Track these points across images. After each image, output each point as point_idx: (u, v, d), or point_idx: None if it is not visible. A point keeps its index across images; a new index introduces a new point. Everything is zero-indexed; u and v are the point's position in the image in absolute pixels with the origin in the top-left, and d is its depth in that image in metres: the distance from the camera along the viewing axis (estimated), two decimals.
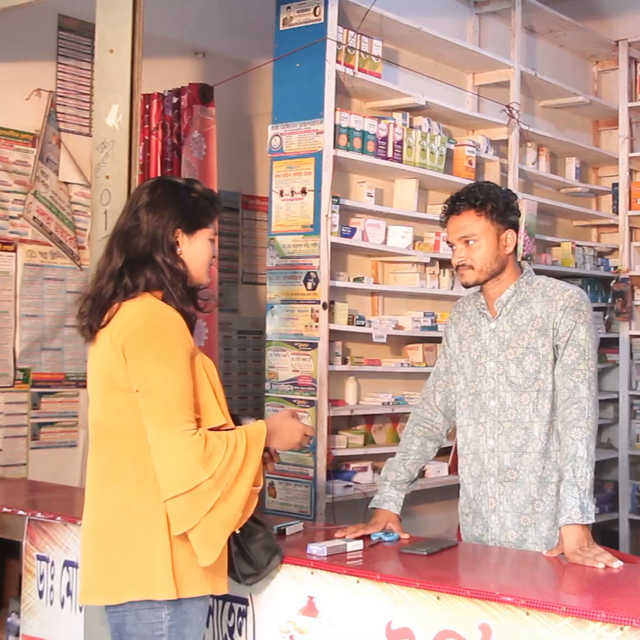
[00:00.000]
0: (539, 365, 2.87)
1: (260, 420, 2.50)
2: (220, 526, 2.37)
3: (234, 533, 2.50)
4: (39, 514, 3.38)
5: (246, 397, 5.22)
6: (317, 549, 2.64)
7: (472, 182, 3.08)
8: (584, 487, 2.73)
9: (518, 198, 3.05)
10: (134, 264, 2.46)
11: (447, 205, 2.97)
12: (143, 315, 2.40)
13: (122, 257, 2.48)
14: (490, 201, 2.89)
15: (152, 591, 2.36)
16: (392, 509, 2.99)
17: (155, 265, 2.46)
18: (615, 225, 6.18)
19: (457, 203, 2.91)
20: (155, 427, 2.32)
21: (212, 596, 2.57)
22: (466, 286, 2.97)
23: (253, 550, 2.57)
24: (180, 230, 2.49)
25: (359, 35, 4.41)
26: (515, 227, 2.95)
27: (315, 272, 4.23)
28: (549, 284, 2.96)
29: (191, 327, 2.50)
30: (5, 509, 3.51)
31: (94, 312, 2.45)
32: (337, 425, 4.53)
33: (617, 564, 2.58)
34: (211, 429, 2.39)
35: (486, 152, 5.23)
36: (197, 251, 2.52)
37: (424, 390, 3.17)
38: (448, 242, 2.98)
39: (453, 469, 3.16)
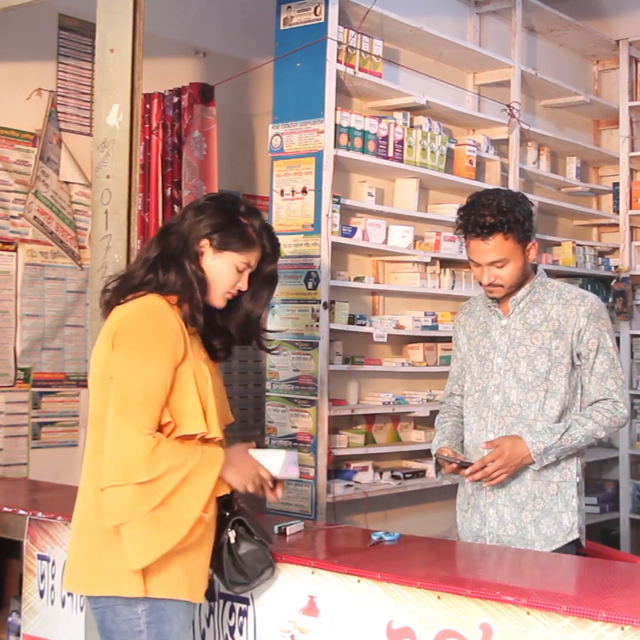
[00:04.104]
0: (550, 366, 2.91)
1: (219, 451, 2.44)
2: (156, 534, 2.34)
3: (228, 543, 2.53)
4: (39, 514, 3.38)
5: (247, 397, 5.22)
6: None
7: (487, 192, 2.99)
8: (563, 443, 2.87)
9: (533, 204, 3.02)
10: (167, 260, 2.49)
11: (466, 224, 2.89)
12: (138, 313, 2.42)
13: (157, 249, 2.52)
14: (516, 221, 2.85)
15: (119, 587, 2.37)
16: (448, 445, 3.03)
17: (181, 268, 2.48)
18: (616, 225, 6.18)
19: (486, 229, 2.84)
20: (114, 414, 2.34)
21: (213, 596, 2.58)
22: (494, 299, 3.01)
23: (246, 561, 2.57)
24: (208, 242, 2.50)
25: (359, 35, 4.41)
26: (533, 235, 2.96)
27: (315, 272, 4.23)
28: (565, 287, 3.02)
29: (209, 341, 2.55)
30: (6, 509, 3.51)
31: (120, 289, 2.49)
32: (337, 424, 4.52)
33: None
34: (184, 437, 2.40)
35: (487, 151, 5.23)
36: (217, 270, 2.51)
37: (444, 395, 3.26)
38: (471, 260, 2.95)
39: None
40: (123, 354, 2.38)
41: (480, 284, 2.97)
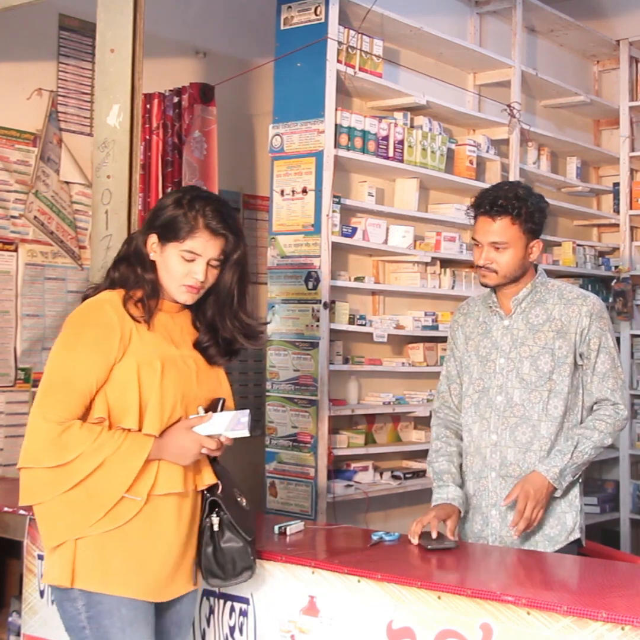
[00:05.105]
0: (553, 366, 2.92)
1: (149, 436, 2.38)
2: (69, 515, 2.35)
3: (211, 529, 2.50)
4: None
5: (247, 397, 5.22)
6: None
7: (506, 181, 3.04)
8: (575, 461, 2.87)
9: (548, 204, 3.05)
10: (118, 261, 2.52)
11: (480, 202, 2.94)
12: (77, 310, 2.47)
13: (120, 250, 2.55)
14: (527, 211, 2.89)
15: (52, 575, 2.39)
16: (460, 506, 2.96)
17: (130, 265, 2.48)
18: (616, 225, 6.18)
19: (495, 208, 2.88)
20: (34, 402, 2.36)
21: (212, 595, 2.57)
22: (485, 286, 3.01)
23: (226, 555, 2.52)
24: (156, 239, 2.47)
25: (359, 35, 4.41)
26: (540, 235, 2.98)
27: (316, 272, 4.23)
28: (565, 287, 3.03)
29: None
30: (6, 509, 3.51)
31: (90, 295, 2.54)
32: (338, 424, 4.53)
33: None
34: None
35: (487, 151, 5.23)
36: (164, 264, 2.46)
37: (439, 394, 3.19)
38: (474, 239, 2.97)
39: None
40: (53, 347, 2.43)
41: (478, 267, 2.97)
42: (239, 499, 2.58)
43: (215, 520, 2.52)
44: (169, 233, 2.44)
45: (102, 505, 2.35)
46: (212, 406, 2.50)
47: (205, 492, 2.53)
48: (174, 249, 2.44)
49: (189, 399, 2.47)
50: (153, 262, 2.48)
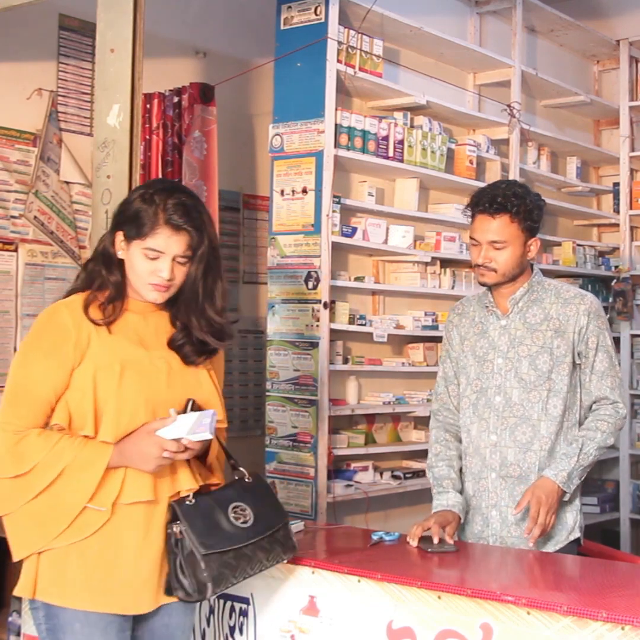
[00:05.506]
0: (551, 365, 2.92)
1: (109, 443, 2.29)
2: (33, 526, 2.30)
3: (175, 538, 2.35)
4: None
5: (247, 397, 5.22)
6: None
7: (504, 180, 3.04)
8: (582, 463, 2.87)
9: (545, 202, 3.05)
10: (87, 260, 2.47)
11: (478, 200, 2.93)
12: (40, 313, 2.40)
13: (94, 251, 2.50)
14: (525, 209, 2.89)
15: (19, 586, 2.35)
16: (460, 512, 2.95)
17: (97, 265, 2.41)
18: (616, 225, 6.18)
19: (495, 205, 2.88)
20: None
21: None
22: (483, 285, 3.00)
23: (189, 567, 2.34)
24: (122, 235, 2.38)
25: (359, 35, 4.41)
26: (538, 233, 2.98)
27: (316, 272, 4.23)
28: (562, 286, 3.04)
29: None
30: None
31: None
32: (338, 424, 4.53)
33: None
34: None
35: (487, 151, 5.23)
36: (129, 263, 2.37)
37: (437, 396, 3.17)
38: (472, 238, 2.96)
39: None
40: (15, 355, 2.38)
41: (476, 266, 2.96)
42: (231, 515, 2.40)
43: (176, 528, 2.35)
44: (132, 230, 2.35)
45: (64, 516, 2.28)
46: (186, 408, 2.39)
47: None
48: (137, 248, 2.34)
49: (155, 402, 2.36)
50: (121, 261, 2.39)
